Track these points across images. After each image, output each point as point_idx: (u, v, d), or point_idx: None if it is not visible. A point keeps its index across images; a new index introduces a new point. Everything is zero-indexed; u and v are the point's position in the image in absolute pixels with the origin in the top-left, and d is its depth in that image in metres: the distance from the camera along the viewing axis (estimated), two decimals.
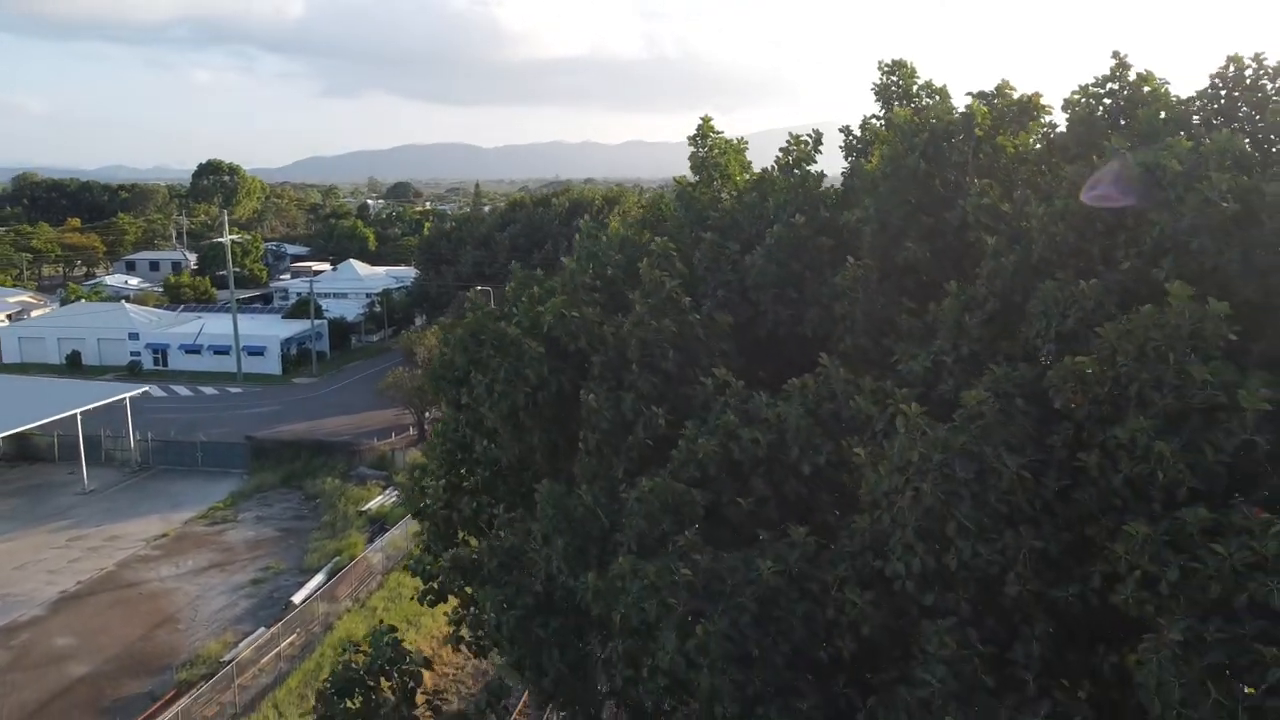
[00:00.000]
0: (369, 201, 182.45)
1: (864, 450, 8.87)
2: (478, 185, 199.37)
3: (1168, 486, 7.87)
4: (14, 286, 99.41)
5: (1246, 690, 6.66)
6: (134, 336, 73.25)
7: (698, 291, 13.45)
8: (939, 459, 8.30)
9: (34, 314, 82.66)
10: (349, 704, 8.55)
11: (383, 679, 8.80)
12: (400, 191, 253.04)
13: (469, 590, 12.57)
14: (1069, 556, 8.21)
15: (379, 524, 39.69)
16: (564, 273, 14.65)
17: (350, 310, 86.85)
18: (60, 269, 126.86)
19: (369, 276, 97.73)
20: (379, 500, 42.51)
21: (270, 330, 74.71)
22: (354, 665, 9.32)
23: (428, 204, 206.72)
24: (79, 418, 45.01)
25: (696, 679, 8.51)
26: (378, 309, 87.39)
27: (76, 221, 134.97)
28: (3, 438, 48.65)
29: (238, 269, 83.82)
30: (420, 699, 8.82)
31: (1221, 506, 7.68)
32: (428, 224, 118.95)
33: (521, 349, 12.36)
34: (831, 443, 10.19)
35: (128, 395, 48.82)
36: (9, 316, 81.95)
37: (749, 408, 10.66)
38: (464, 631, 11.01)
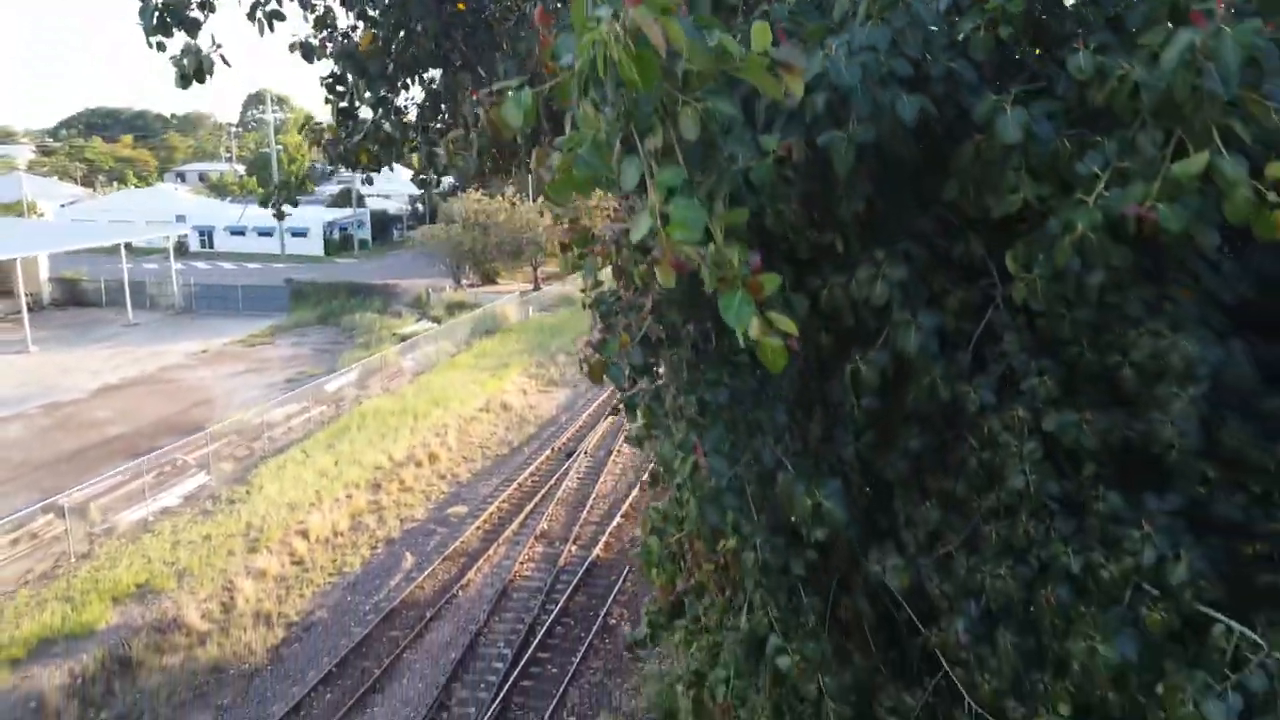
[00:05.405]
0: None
1: None
2: None
3: None
4: None
5: None
6: (180, 219, 74.19)
7: None
8: None
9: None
10: None
11: None
12: None
13: None
14: None
15: (413, 342, 39.77)
16: None
17: (393, 208, 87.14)
18: (115, 185, 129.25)
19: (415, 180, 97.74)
20: (413, 327, 42.64)
21: (313, 214, 75.20)
22: None
23: None
24: (125, 265, 45.96)
25: None
26: (420, 208, 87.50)
27: (129, 139, 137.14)
28: (52, 281, 50.17)
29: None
30: None
31: None
32: None
33: None
34: None
35: (173, 235, 49.57)
36: (63, 206, 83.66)
37: None
38: None
